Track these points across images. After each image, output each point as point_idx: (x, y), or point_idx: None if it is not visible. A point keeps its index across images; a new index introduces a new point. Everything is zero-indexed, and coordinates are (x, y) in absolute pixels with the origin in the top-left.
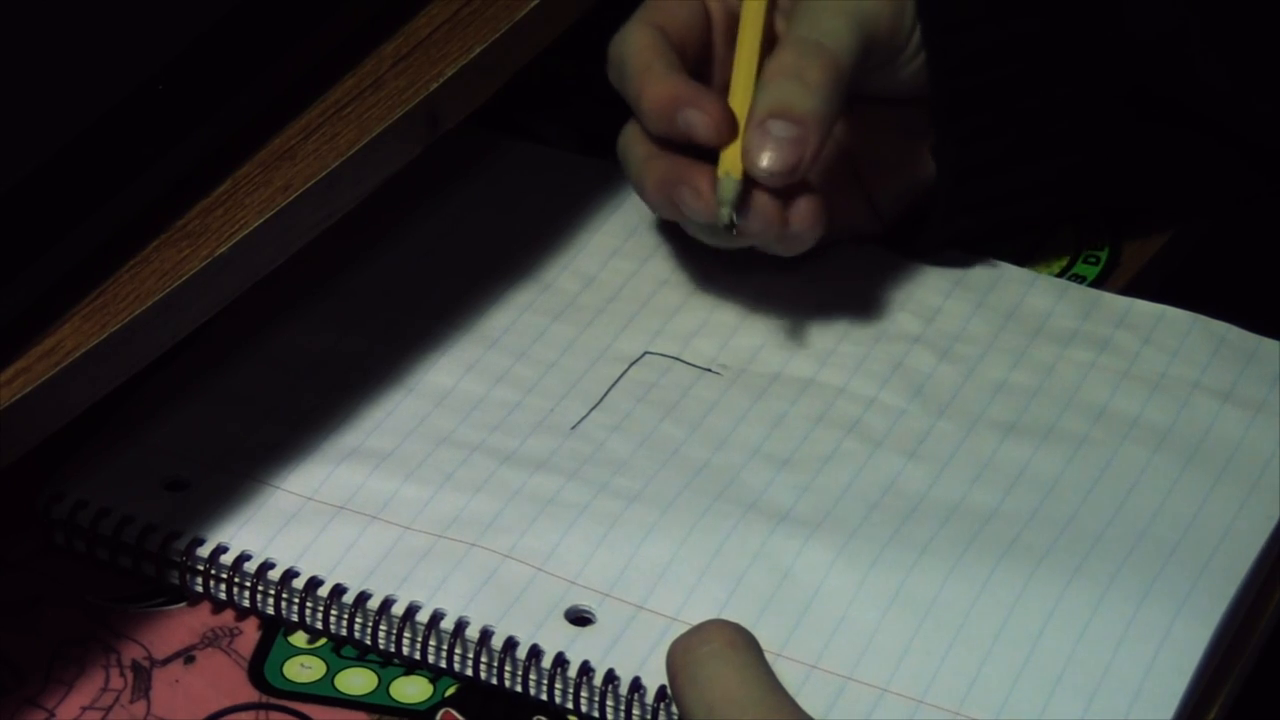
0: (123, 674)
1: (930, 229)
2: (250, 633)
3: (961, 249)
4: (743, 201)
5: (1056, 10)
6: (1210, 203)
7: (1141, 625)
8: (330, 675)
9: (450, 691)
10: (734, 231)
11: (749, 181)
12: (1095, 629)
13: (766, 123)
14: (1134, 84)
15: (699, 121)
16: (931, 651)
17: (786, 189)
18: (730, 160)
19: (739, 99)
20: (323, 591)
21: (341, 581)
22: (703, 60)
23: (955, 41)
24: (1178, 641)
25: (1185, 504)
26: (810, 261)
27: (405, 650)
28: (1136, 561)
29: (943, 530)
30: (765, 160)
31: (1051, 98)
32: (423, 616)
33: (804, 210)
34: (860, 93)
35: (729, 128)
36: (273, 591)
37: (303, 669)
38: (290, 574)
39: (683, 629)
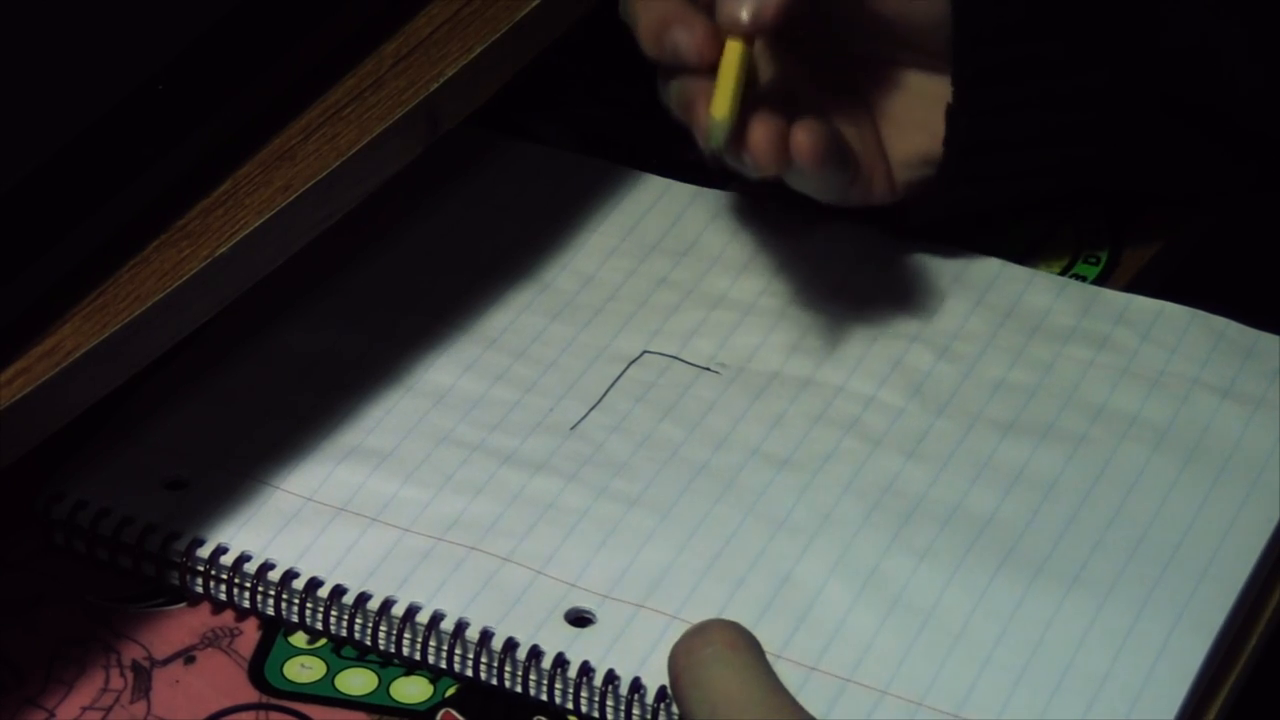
0: (123, 674)
1: (931, 195)
2: (250, 633)
3: (959, 219)
4: (741, 137)
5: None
6: (1212, 196)
7: (1140, 635)
8: (330, 675)
9: (450, 692)
10: (725, 159)
11: (748, 115)
12: (1094, 638)
13: None
14: (1166, 89)
15: (683, 40)
16: (931, 656)
17: (790, 122)
18: (719, 104)
19: (735, 56)
20: (323, 592)
21: (341, 582)
22: None
23: (984, 9)
24: (1176, 651)
25: (1184, 506)
26: (808, 260)
27: (405, 651)
28: (1135, 569)
29: (942, 534)
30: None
31: (1080, 85)
32: (423, 617)
33: (803, 144)
34: (882, 16)
35: (714, 47)
36: (273, 592)
37: (303, 669)
38: (290, 574)
39: (683, 627)
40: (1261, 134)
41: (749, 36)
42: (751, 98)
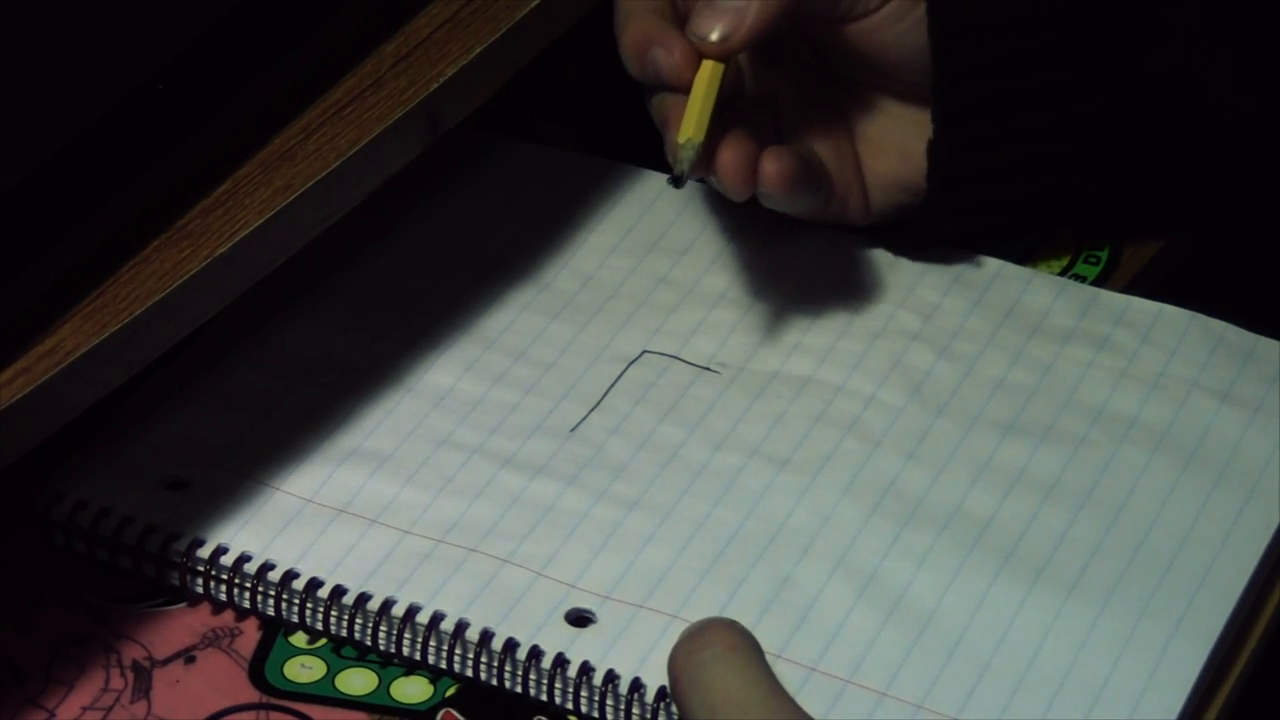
0: (123, 674)
1: (915, 226)
2: (250, 633)
3: (943, 248)
4: (709, 160)
5: (1078, 29)
6: (1202, 218)
7: (1140, 639)
8: (330, 675)
9: (450, 692)
10: (681, 186)
11: (721, 135)
12: (1094, 642)
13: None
14: (1152, 116)
15: (662, 59)
16: (931, 660)
17: (761, 145)
18: (685, 126)
19: (705, 75)
20: (323, 593)
21: (342, 583)
22: None
23: (964, 46)
24: (1176, 655)
25: (1183, 510)
26: (808, 258)
27: (405, 651)
28: (1135, 573)
29: (942, 538)
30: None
31: (1063, 117)
32: (423, 618)
33: (770, 172)
34: (858, 51)
35: (693, 67)
36: (273, 592)
37: (303, 669)
38: (290, 575)
39: (684, 627)
40: (1250, 158)
41: (721, 58)
42: (729, 113)
